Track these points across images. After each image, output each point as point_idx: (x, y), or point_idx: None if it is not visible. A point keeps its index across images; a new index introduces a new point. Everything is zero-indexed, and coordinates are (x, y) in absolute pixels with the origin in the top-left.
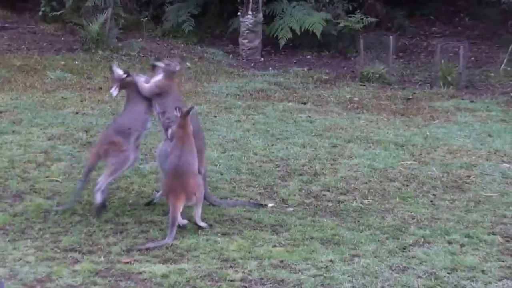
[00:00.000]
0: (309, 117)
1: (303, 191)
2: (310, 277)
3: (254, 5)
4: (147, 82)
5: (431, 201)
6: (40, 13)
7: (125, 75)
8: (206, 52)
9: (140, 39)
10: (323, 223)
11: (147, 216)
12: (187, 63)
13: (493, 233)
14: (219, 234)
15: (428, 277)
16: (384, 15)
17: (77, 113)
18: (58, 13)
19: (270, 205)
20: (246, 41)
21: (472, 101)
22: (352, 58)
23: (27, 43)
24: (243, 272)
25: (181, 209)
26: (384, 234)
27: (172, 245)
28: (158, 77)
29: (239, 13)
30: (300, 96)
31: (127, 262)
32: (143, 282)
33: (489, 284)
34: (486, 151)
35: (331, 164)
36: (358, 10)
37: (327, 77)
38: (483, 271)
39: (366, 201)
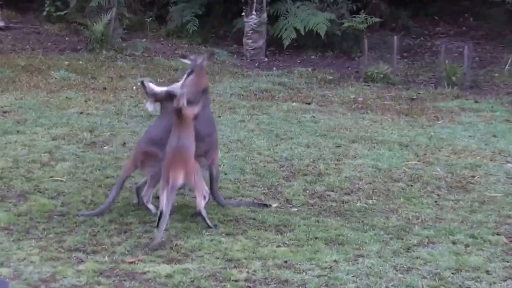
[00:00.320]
0: (313, 117)
1: (307, 191)
2: (314, 277)
3: (258, 5)
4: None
5: (436, 201)
6: (44, 13)
7: (163, 93)
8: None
9: (144, 39)
10: (327, 223)
11: (151, 216)
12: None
13: (498, 234)
14: (223, 234)
15: (433, 277)
16: (388, 15)
17: (81, 113)
18: (62, 13)
19: (274, 205)
20: (250, 41)
21: (476, 102)
22: (356, 58)
23: (31, 43)
24: (247, 272)
25: (180, 183)
26: (388, 234)
27: (176, 245)
28: (190, 78)
29: (243, 13)
30: (304, 96)
31: (131, 262)
32: (147, 282)
33: (494, 285)
34: (491, 152)
35: (335, 164)
36: (362, 10)
37: (331, 77)
38: (487, 272)
39: (370, 201)
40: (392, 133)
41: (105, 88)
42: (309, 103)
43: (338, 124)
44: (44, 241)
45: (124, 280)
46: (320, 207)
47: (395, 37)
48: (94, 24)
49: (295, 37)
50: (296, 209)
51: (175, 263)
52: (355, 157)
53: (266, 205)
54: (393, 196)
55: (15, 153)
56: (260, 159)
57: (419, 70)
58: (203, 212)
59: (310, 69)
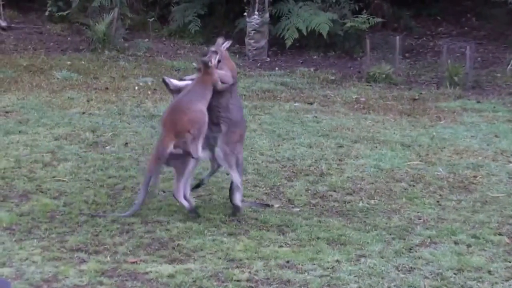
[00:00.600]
0: (316, 117)
1: (310, 191)
2: (316, 277)
3: (261, 6)
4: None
5: (438, 202)
6: (46, 13)
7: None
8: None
9: (147, 39)
10: (329, 223)
11: (153, 216)
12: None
13: (500, 234)
14: (225, 234)
15: (435, 277)
16: (391, 15)
17: (83, 113)
18: (64, 13)
19: (276, 205)
20: (252, 41)
21: (478, 102)
22: (359, 59)
23: (33, 43)
24: (249, 272)
25: (170, 147)
26: (390, 234)
27: (178, 245)
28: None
29: (245, 14)
30: (307, 96)
31: (134, 262)
32: (149, 282)
33: (496, 285)
34: (493, 152)
35: (338, 165)
36: (365, 10)
37: (334, 78)
38: (489, 272)
39: (372, 202)
40: (394, 133)
41: (107, 88)
42: (311, 103)
43: (340, 124)
44: (46, 241)
45: (126, 280)
46: (322, 207)
47: (397, 37)
48: (96, 24)
49: (297, 37)
50: (298, 209)
51: (177, 263)
52: (357, 157)
53: (268, 205)
54: (395, 196)
55: (17, 153)
56: (262, 159)
57: (421, 70)
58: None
59: (312, 69)
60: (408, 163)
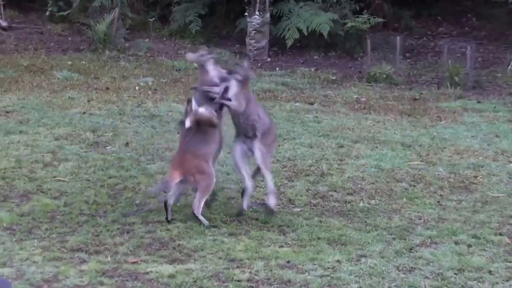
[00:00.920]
0: (316, 117)
1: (310, 191)
2: (317, 277)
3: (261, 6)
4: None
5: (438, 202)
6: (47, 13)
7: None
8: (213, 52)
9: (147, 39)
10: (330, 223)
11: (153, 216)
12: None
13: (500, 234)
14: (226, 235)
15: (435, 277)
16: (391, 15)
17: (84, 113)
18: (65, 13)
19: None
20: (253, 41)
21: (479, 102)
22: (359, 59)
23: (34, 43)
24: (250, 272)
25: (174, 181)
26: (391, 234)
27: (179, 245)
28: (235, 89)
29: (246, 14)
30: (307, 97)
31: (134, 262)
32: (150, 282)
33: (496, 285)
34: (493, 152)
35: (338, 165)
36: (365, 10)
37: (334, 78)
38: (490, 272)
39: (373, 202)
40: (395, 133)
41: (108, 88)
42: (312, 103)
43: (341, 124)
44: (46, 241)
45: (127, 280)
46: (323, 207)
47: (398, 37)
48: (97, 24)
49: (298, 37)
50: (298, 209)
51: (177, 263)
52: (357, 157)
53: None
54: (396, 196)
55: (18, 153)
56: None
57: (422, 70)
58: (199, 216)
59: (313, 69)
60: (409, 163)
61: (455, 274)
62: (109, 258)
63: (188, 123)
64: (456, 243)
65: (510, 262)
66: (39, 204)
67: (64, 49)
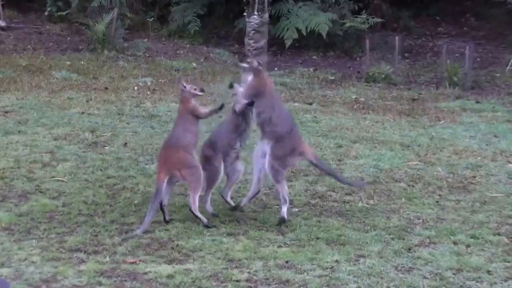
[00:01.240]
0: (315, 117)
1: (309, 191)
2: (315, 277)
3: (260, 6)
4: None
5: (437, 202)
6: (46, 13)
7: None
8: (212, 52)
9: (146, 39)
10: (329, 223)
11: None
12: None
13: (499, 234)
14: (224, 235)
15: (434, 277)
16: (390, 15)
17: (83, 113)
18: (64, 13)
19: (275, 205)
20: (252, 41)
21: (478, 102)
22: (358, 59)
23: (33, 43)
24: (249, 272)
25: (164, 181)
26: (389, 234)
27: (177, 245)
28: (249, 79)
29: (245, 14)
30: (306, 97)
31: (133, 262)
32: (148, 282)
33: (495, 285)
34: (492, 152)
35: (337, 165)
36: (364, 11)
37: (333, 78)
38: (488, 272)
39: (371, 202)
40: (393, 133)
41: (106, 88)
42: (310, 103)
43: (339, 124)
44: (45, 241)
45: (125, 281)
46: (322, 207)
47: (397, 37)
48: (96, 24)
49: (297, 37)
50: (297, 209)
51: (176, 264)
52: (356, 157)
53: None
54: (395, 196)
55: (17, 153)
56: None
57: (420, 70)
58: (197, 214)
59: (311, 69)
60: (407, 163)
61: (453, 274)
62: (107, 258)
63: (238, 108)
64: (454, 243)
65: (509, 262)
66: (37, 204)
67: (63, 49)
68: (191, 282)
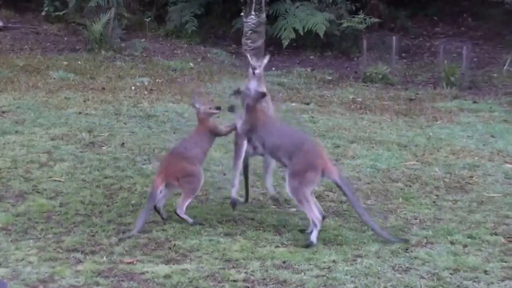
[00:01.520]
0: (312, 117)
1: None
2: (312, 277)
3: (257, 6)
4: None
5: (434, 202)
6: (43, 13)
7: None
8: (209, 52)
9: (143, 39)
10: (326, 223)
11: (149, 216)
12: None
13: (496, 234)
14: (221, 235)
15: (431, 277)
16: (387, 15)
17: (80, 113)
18: (61, 13)
19: (273, 206)
20: (249, 41)
21: (475, 102)
22: (355, 59)
23: (30, 43)
24: (246, 272)
25: (159, 187)
26: None
27: (174, 245)
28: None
29: (242, 14)
30: (303, 97)
31: (130, 263)
32: (145, 282)
33: (492, 285)
34: (489, 152)
35: (334, 165)
36: (361, 11)
37: (330, 78)
38: (485, 272)
39: (369, 202)
40: (390, 133)
41: (103, 88)
42: (308, 103)
43: (337, 124)
44: (42, 242)
45: (122, 281)
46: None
47: (394, 37)
48: (93, 24)
49: (294, 37)
50: (294, 209)
51: (173, 264)
52: (353, 157)
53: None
54: (392, 196)
55: (14, 153)
56: (259, 159)
57: (417, 70)
58: (183, 216)
59: (309, 69)
60: (405, 163)
61: (450, 274)
62: (104, 258)
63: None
64: (451, 243)
65: (506, 262)
66: (34, 204)
67: (60, 49)
68: (188, 282)
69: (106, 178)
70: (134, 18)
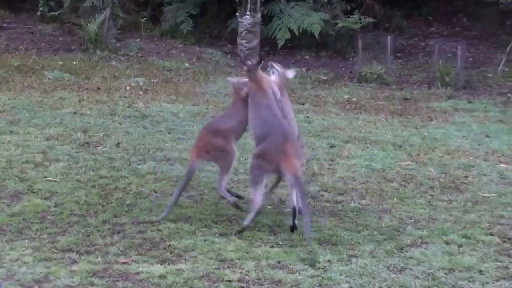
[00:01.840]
0: (307, 117)
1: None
2: (307, 277)
3: (252, 6)
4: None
5: (429, 202)
6: (38, 13)
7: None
8: (204, 52)
9: (138, 39)
10: (321, 223)
11: (144, 216)
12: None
13: (491, 234)
14: (216, 235)
15: (426, 277)
16: (382, 15)
17: (75, 113)
18: (56, 13)
19: (268, 206)
20: (244, 41)
21: (470, 102)
22: (350, 59)
23: (25, 43)
24: (241, 272)
25: (195, 162)
26: (381, 234)
27: (169, 245)
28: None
29: (237, 14)
30: (298, 97)
31: (125, 263)
32: (140, 282)
33: (487, 285)
34: (484, 152)
35: (329, 165)
36: (356, 11)
37: (325, 78)
38: (480, 272)
39: (363, 202)
40: (385, 133)
41: (99, 88)
42: (303, 103)
43: (332, 124)
44: (37, 242)
45: (117, 281)
46: (314, 207)
47: (389, 37)
48: (88, 24)
49: (289, 37)
50: (289, 209)
51: (168, 264)
52: (348, 157)
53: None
54: (387, 196)
55: (9, 153)
56: None
57: (412, 70)
58: (223, 194)
59: (304, 69)
60: (400, 163)
61: (445, 274)
62: (99, 259)
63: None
64: (446, 243)
65: (501, 262)
66: (29, 204)
67: (55, 49)
68: (183, 282)
69: (101, 178)
70: (129, 18)
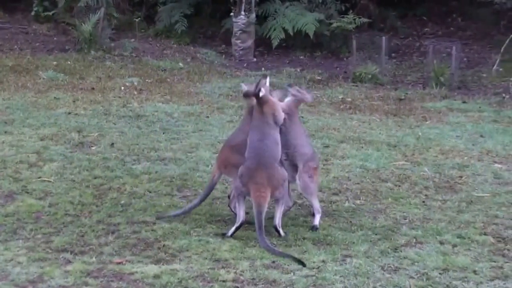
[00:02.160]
0: (302, 117)
1: (296, 191)
2: (302, 277)
3: (247, 6)
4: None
5: (423, 202)
6: (32, 13)
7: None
8: (199, 52)
9: (133, 39)
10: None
11: (139, 216)
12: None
13: (485, 234)
14: (211, 235)
15: (420, 277)
16: (377, 15)
17: (69, 113)
18: (50, 13)
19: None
20: (239, 41)
21: (464, 102)
22: (345, 59)
23: (19, 43)
24: (235, 272)
25: (215, 175)
26: (376, 234)
27: (164, 245)
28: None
29: (232, 14)
30: None
31: (119, 263)
32: (134, 282)
33: (481, 284)
34: (478, 152)
35: (324, 165)
36: (351, 11)
37: (320, 78)
38: (474, 272)
39: (358, 202)
40: (380, 133)
41: (93, 88)
42: None
43: (326, 124)
44: (31, 242)
45: (112, 281)
46: (308, 207)
47: (384, 37)
48: (83, 24)
49: (284, 37)
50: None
51: (162, 264)
52: (343, 157)
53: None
54: (381, 196)
55: (3, 153)
56: None
57: (407, 70)
58: (231, 206)
59: (298, 69)
60: (394, 163)
61: (440, 274)
62: (94, 259)
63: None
64: (441, 243)
65: (495, 262)
66: (24, 204)
67: (50, 49)
68: (177, 282)
69: (95, 178)
70: (123, 18)
